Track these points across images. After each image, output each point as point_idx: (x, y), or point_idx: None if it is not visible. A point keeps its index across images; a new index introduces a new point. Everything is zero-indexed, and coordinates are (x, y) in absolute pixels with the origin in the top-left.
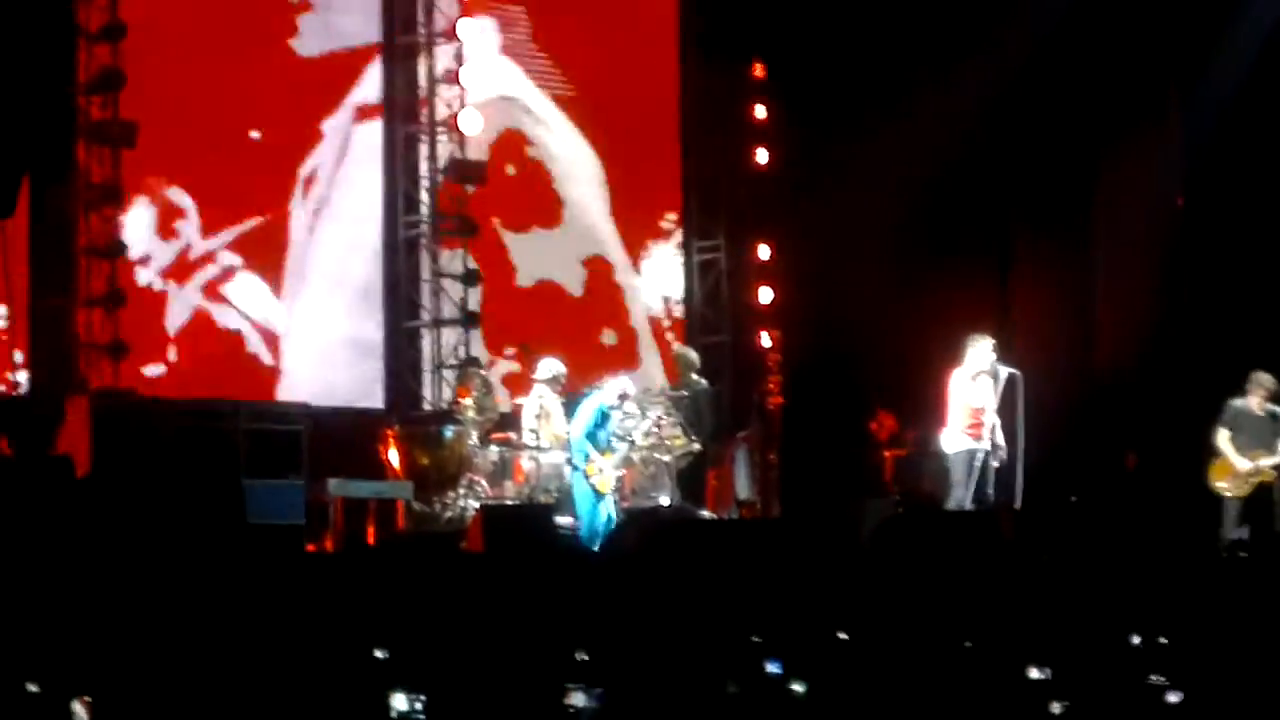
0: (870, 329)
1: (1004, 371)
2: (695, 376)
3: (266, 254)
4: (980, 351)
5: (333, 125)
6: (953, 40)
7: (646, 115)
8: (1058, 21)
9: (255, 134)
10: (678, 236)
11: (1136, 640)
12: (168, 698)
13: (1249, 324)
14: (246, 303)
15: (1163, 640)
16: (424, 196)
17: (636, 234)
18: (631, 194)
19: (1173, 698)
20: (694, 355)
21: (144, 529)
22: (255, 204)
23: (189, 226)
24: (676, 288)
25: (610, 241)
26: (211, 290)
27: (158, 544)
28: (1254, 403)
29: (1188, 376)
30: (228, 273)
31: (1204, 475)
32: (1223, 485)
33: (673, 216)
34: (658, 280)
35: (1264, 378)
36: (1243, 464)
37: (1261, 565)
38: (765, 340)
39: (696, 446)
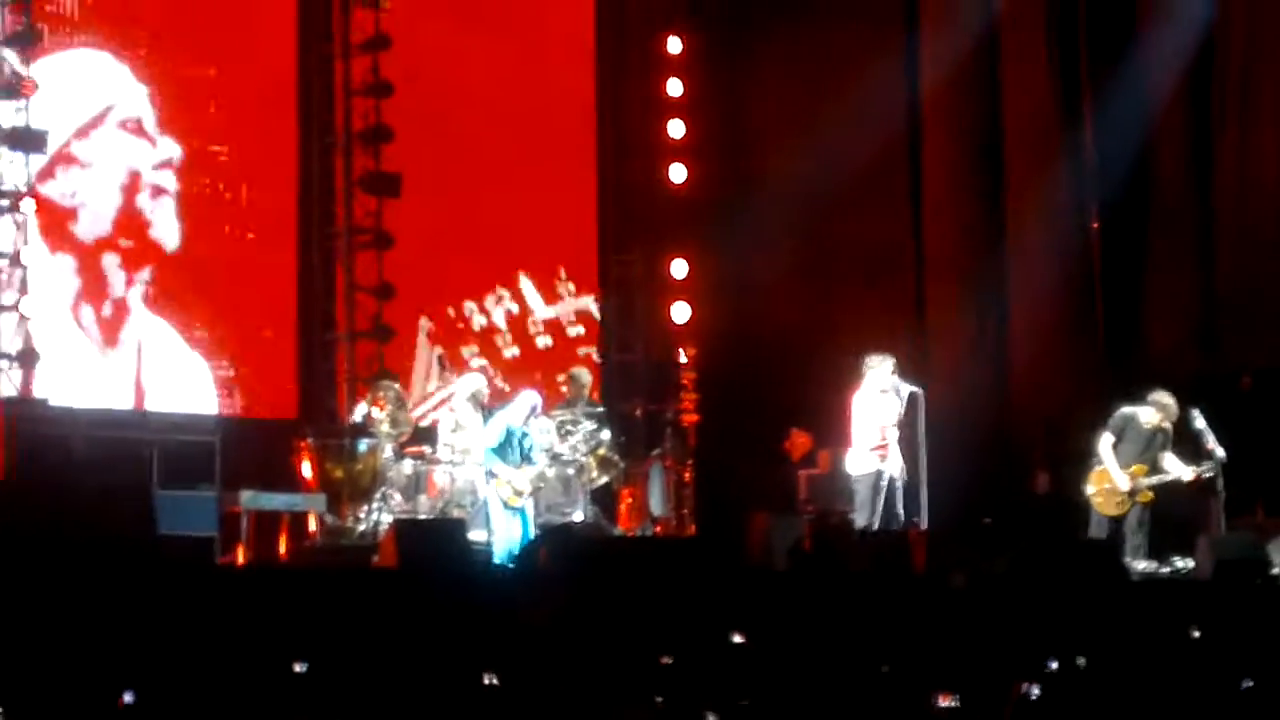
0: (786, 347)
1: (905, 389)
2: (586, 397)
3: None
4: (880, 371)
5: None
6: (868, 58)
7: (562, 131)
8: (973, 37)
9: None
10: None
11: (1054, 665)
12: (82, 708)
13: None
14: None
15: (1080, 662)
16: (339, 209)
17: (552, 248)
18: (546, 208)
19: None
20: (587, 376)
21: (56, 539)
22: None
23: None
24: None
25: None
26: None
27: (70, 554)
28: (1145, 414)
29: (1100, 398)
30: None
31: (1081, 481)
32: (1097, 498)
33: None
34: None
35: (1167, 400)
36: (1122, 481)
37: None
38: (681, 357)
39: (614, 472)
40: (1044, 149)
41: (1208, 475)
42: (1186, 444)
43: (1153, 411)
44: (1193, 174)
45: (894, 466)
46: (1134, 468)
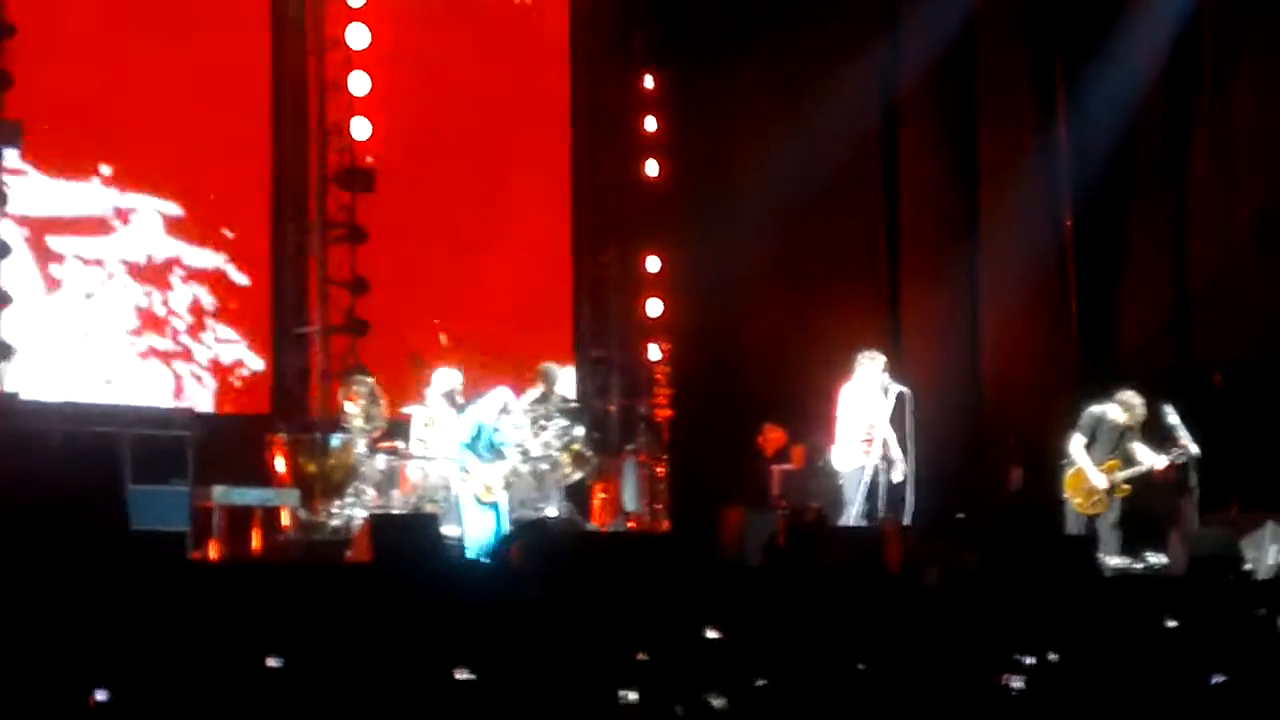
0: (759, 342)
1: (894, 388)
2: (558, 393)
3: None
4: (872, 368)
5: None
6: (843, 55)
7: (537, 127)
8: (948, 34)
9: None
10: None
11: (1030, 660)
12: (53, 706)
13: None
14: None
15: (1053, 657)
16: (312, 203)
17: (526, 244)
18: (521, 202)
19: None
20: (557, 371)
21: (27, 534)
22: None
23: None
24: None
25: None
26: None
27: (41, 549)
28: (1113, 413)
29: (1073, 395)
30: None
31: (1057, 483)
32: (1075, 498)
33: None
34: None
35: (1134, 400)
36: (1099, 480)
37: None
38: (654, 352)
39: (588, 468)
40: (1019, 145)
41: (1180, 461)
42: (1155, 435)
43: (1119, 410)
44: (1167, 170)
45: (878, 462)
46: (1107, 464)
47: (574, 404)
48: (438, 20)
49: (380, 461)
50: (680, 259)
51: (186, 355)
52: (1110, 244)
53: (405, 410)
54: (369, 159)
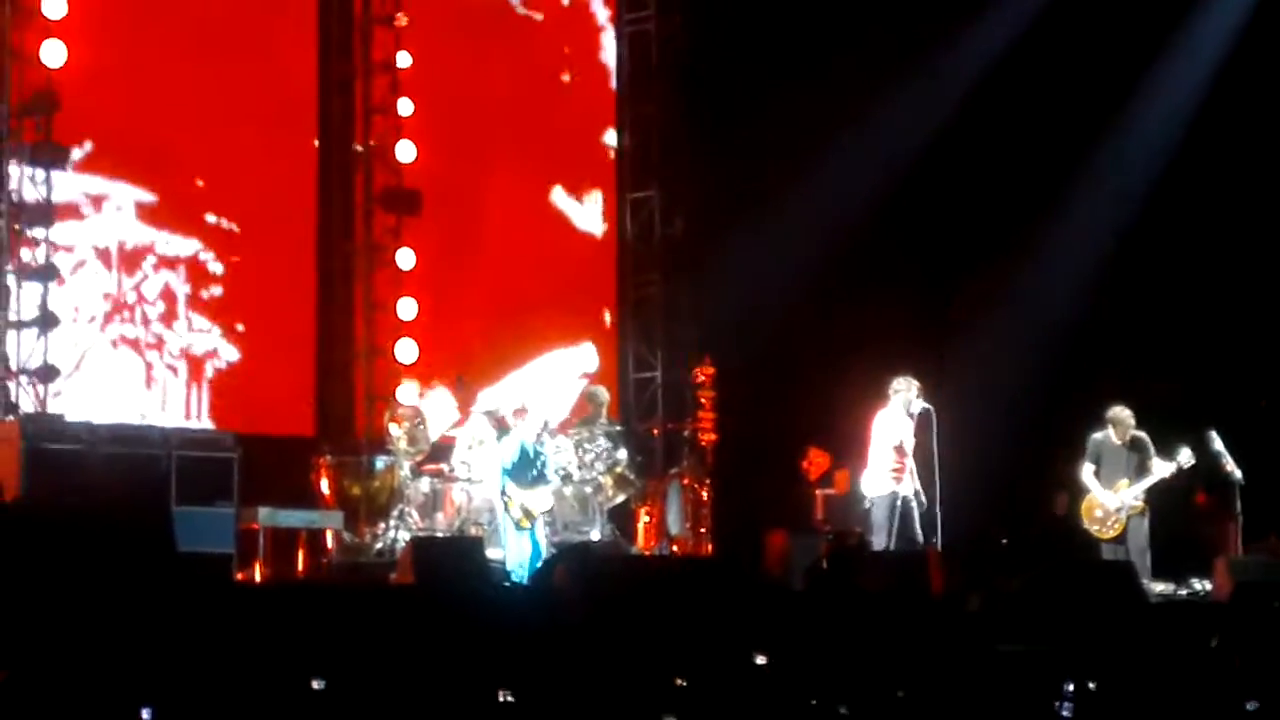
0: (804, 366)
1: (918, 404)
2: (605, 415)
3: (201, 281)
4: (907, 395)
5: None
6: (887, 77)
7: (581, 148)
8: (996, 60)
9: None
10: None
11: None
12: None
13: (1179, 368)
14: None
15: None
16: (358, 226)
17: (571, 267)
18: (566, 225)
19: None
20: (605, 394)
21: (73, 555)
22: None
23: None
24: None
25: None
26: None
27: (87, 570)
28: (1111, 434)
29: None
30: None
31: (1076, 513)
32: (1093, 526)
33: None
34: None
35: (1122, 413)
36: (1110, 501)
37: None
38: (699, 376)
39: (632, 491)
40: (1063, 171)
41: (1188, 465)
42: (1200, 463)
43: (1111, 430)
44: (1214, 192)
45: (909, 488)
46: (1117, 484)
47: (618, 427)
48: (481, 41)
49: (424, 484)
50: (725, 282)
51: (233, 375)
52: (1156, 266)
53: (450, 433)
54: None
